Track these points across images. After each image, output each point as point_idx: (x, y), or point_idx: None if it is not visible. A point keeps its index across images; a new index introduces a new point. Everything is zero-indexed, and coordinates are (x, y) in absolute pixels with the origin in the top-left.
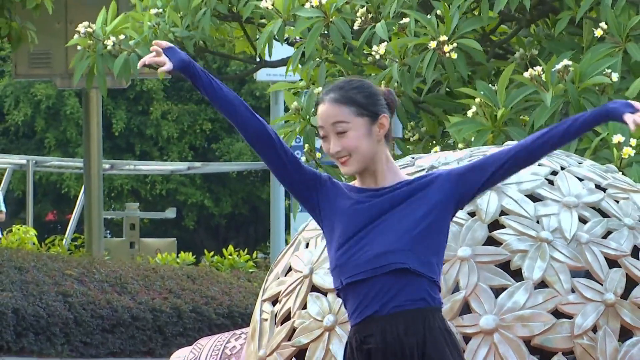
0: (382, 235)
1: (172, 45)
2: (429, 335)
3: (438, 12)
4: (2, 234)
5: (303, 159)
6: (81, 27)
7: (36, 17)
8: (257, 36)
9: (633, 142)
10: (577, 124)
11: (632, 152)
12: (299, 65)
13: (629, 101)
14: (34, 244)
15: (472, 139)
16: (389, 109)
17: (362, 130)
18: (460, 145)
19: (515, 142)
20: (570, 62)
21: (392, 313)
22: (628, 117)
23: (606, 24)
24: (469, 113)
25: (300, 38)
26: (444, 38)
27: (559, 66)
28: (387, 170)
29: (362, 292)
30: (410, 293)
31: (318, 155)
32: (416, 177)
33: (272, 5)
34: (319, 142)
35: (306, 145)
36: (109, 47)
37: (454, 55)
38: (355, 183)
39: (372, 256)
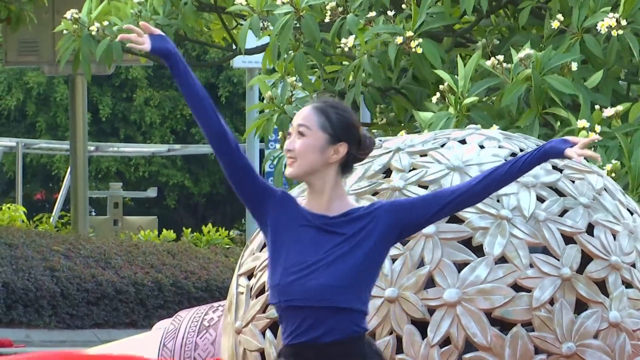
0: (329, 268)
1: (163, 34)
2: None
3: (403, 6)
4: None
5: (277, 146)
6: (68, 14)
7: (29, 8)
8: (234, 25)
9: (597, 128)
10: (517, 165)
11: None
12: (276, 59)
13: (565, 137)
14: (23, 221)
15: (439, 126)
16: (357, 148)
17: (318, 143)
18: (425, 130)
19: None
20: (532, 52)
21: (328, 342)
22: (569, 152)
23: (563, 16)
24: (434, 99)
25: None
26: (410, 34)
27: (521, 55)
28: (336, 196)
29: (300, 317)
30: (346, 326)
31: None
32: (362, 207)
33: (246, 2)
34: None
35: (280, 133)
36: (93, 33)
37: (419, 50)
38: (305, 202)
39: (317, 287)
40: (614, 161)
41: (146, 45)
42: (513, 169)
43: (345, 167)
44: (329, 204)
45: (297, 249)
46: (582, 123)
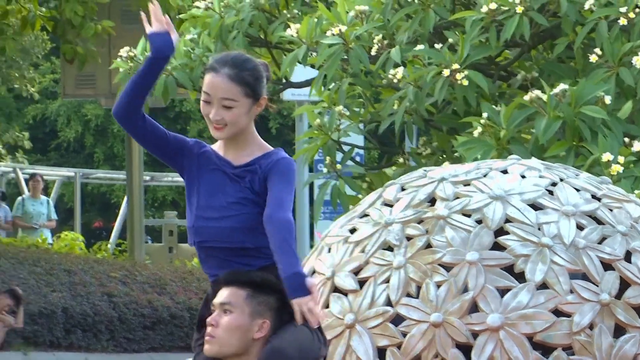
0: (234, 212)
1: (170, 34)
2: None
3: (450, 40)
4: (53, 240)
5: (324, 170)
6: (123, 52)
7: (92, 43)
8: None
9: (621, 159)
10: (272, 249)
11: (620, 169)
12: (322, 88)
13: (308, 284)
14: (81, 249)
15: (479, 155)
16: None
17: (245, 108)
18: (467, 161)
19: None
20: (567, 87)
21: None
22: (295, 305)
23: (601, 50)
24: (475, 133)
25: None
26: (456, 66)
27: (557, 90)
28: (250, 142)
29: (212, 255)
30: (250, 262)
31: (338, 167)
32: (265, 156)
33: (297, 33)
34: (339, 155)
35: (327, 158)
36: None
37: (465, 82)
38: (219, 147)
39: (225, 229)
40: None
41: (151, 28)
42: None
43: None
44: (240, 152)
45: (207, 192)
46: (607, 156)
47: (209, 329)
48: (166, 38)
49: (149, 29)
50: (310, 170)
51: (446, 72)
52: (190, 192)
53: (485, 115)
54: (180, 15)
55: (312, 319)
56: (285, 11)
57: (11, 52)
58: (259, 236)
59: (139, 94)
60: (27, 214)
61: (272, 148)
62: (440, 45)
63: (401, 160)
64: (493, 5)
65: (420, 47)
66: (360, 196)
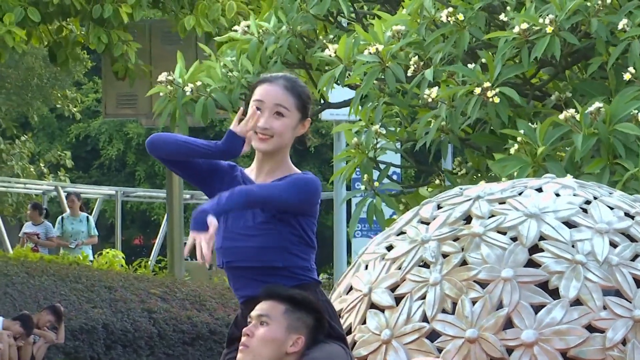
0: (261, 232)
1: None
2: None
3: (483, 60)
4: (94, 257)
5: (362, 187)
6: (162, 77)
7: (121, 61)
8: None
9: None
10: None
11: None
12: (359, 107)
13: (208, 221)
14: (122, 266)
15: (515, 173)
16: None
17: (294, 122)
18: (503, 179)
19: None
20: (601, 105)
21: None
22: (191, 235)
23: (634, 68)
24: (512, 150)
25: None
26: (487, 84)
27: (591, 108)
28: (281, 165)
29: (240, 275)
30: (280, 281)
31: (376, 184)
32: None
33: (335, 53)
34: (376, 174)
35: (365, 176)
36: (187, 94)
37: (497, 100)
38: (250, 170)
39: (253, 249)
40: None
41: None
42: None
43: (297, 140)
44: (271, 174)
45: (235, 214)
46: None
47: (243, 339)
48: (239, 145)
49: (234, 125)
50: (348, 188)
51: (477, 90)
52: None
53: (521, 132)
54: (217, 38)
55: (199, 253)
56: (322, 37)
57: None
58: (288, 255)
59: (181, 155)
60: (66, 232)
61: (299, 171)
62: (473, 65)
63: (437, 181)
64: (524, 25)
65: (454, 67)
66: (395, 217)
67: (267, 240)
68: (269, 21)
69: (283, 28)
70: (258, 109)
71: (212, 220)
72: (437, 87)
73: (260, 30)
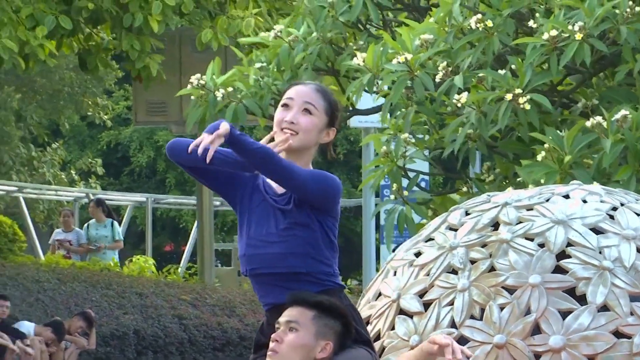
0: (283, 238)
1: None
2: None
3: (512, 66)
4: (125, 264)
5: (392, 197)
6: (194, 79)
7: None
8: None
9: None
10: None
11: None
12: (388, 116)
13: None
14: (152, 272)
15: (542, 180)
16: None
17: (320, 124)
18: (530, 185)
19: None
20: (628, 112)
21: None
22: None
23: None
24: (539, 157)
25: (388, 87)
26: (518, 91)
27: (618, 116)
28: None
29: (265, 282)
30: (305, 287)
31: (405, 192)
32: None
33: (364, 61)
34: (406, 182)
35: (394, 185)
36: (218, 98)
37: (528, 107)
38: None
39: (276, 255)
40: None
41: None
42: None
43: (325, 146)
44: None
45: (257, 221)
46: None
47: (272, 345)
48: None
49: (266, 139)
50: (377, 195)
51: (508, 97)
52: (241, 222)
53: (549, 138)
54: (243, 40)
55: (201, 148)
56: (351, 43)
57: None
58: (311, 261)
59: (200, 161)
60: (91, 238)
61: None
62: (504, 72)
63: (464, 188)
64: (554, 32)
65: (482, 74)
66: (424, 221)
67: (289, 246)
68: (299, 28)
69: (313, 35)
70: (286, 105)
71: (224, 124)
72: (466, 93)
73: (291, 37)
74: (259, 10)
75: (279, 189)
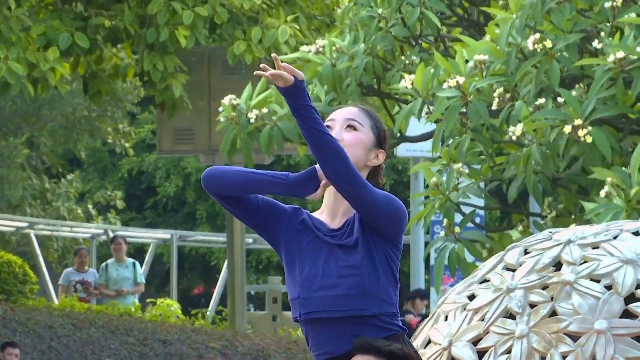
0: (342, 278)
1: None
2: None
3: (574, 93)
4: (147, 308)
5: (442, 233)
6: (227, 99)
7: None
8: (396, 110)
9: None
10: None
11: None
12: (440, 145)
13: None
14: (177, 317)
15: (608, 219)
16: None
17: (367, 141)
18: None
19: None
20: None
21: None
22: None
23: None
24: (602, 193)
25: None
26: (578, 122)
27: None
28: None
29: (322, 328)
30: (369, 331)
31: (457, 229)
32: None
33: (412, 84)
34: (458, 217)
35: (445, 220)
36: (251, 120)
37: (589, 139)
38: (321, 214)
39: (334, 297)
40: None
41: (281, 81)
42: None
43: (375, 174)
44: (349, 211)
45: (311, 260)
46: None
47: None
48: (316, 184)
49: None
50: (427, 232)
51: (568, 129)
52: (290, 262)
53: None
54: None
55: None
56: (403, 57)
57: (106, 94)
58: (377, 301)
59: (242, 187)
60: (110, 279)
61: None
62: (563, 100)
63: (520, 227)
64: (620, 54)
65: (541, 100)
66: (478, 264)
67: (350, 286)
68: (344, 39)
69: (360, 46)
70: (329, 127)
71: (301, 74)
72: (521, 124)
73: (334, 48)
74: (295, 16)
75: (332, 223)
